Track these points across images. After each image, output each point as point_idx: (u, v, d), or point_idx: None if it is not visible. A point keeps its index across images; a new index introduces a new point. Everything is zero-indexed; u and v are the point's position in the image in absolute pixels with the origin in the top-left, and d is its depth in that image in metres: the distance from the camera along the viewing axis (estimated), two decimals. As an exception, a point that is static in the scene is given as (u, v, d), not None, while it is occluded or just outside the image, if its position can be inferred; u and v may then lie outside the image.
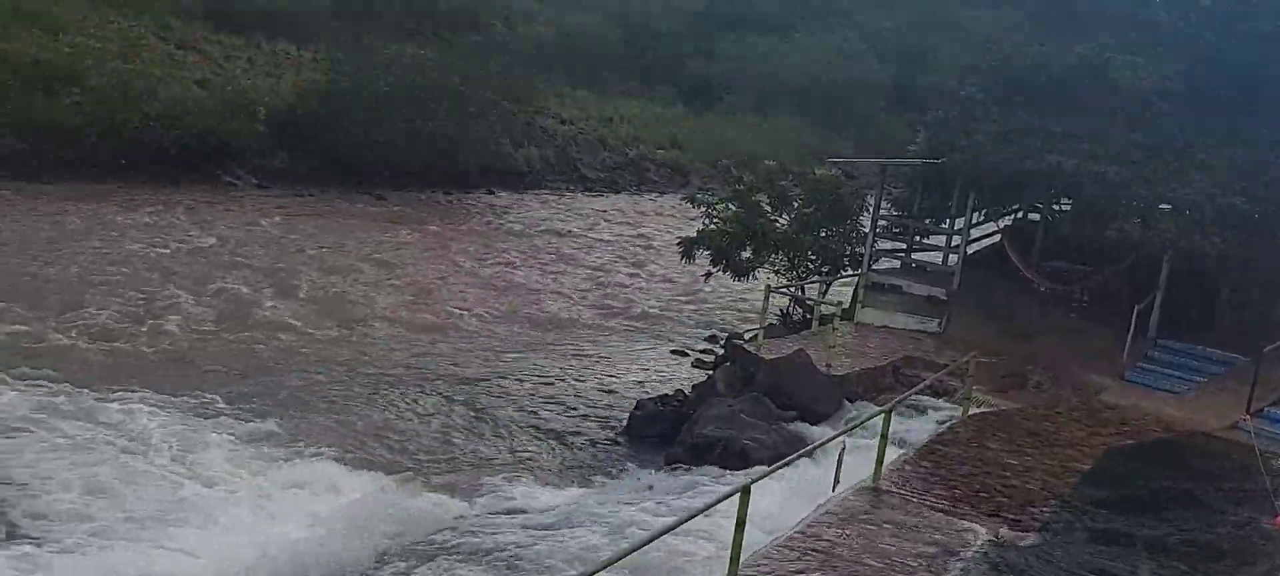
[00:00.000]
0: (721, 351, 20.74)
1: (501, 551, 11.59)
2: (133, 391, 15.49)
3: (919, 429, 15.09)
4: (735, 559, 8.80)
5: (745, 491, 8.66)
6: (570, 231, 35.09)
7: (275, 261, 24.93)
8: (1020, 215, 24.45)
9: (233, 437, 14.27)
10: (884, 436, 11.75)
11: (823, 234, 22.83)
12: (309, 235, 28.44)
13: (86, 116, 31.96)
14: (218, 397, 15.77)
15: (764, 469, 9.77)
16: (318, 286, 23.22)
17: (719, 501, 8.60)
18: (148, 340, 18.26)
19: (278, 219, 29.91)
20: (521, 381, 18.65)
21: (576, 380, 19.16)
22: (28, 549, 10.80)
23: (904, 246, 23.80)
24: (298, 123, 37.15)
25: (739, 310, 26.08)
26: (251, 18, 46.33)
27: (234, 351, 18.35)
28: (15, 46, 32.79)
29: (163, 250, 24.38)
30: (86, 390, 15.33)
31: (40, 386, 15.24)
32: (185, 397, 15.56)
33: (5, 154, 30.27)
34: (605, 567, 7.37)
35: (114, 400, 15.00)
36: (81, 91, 32.37)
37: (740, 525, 8.67)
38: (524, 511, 13.02)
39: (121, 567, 10.58)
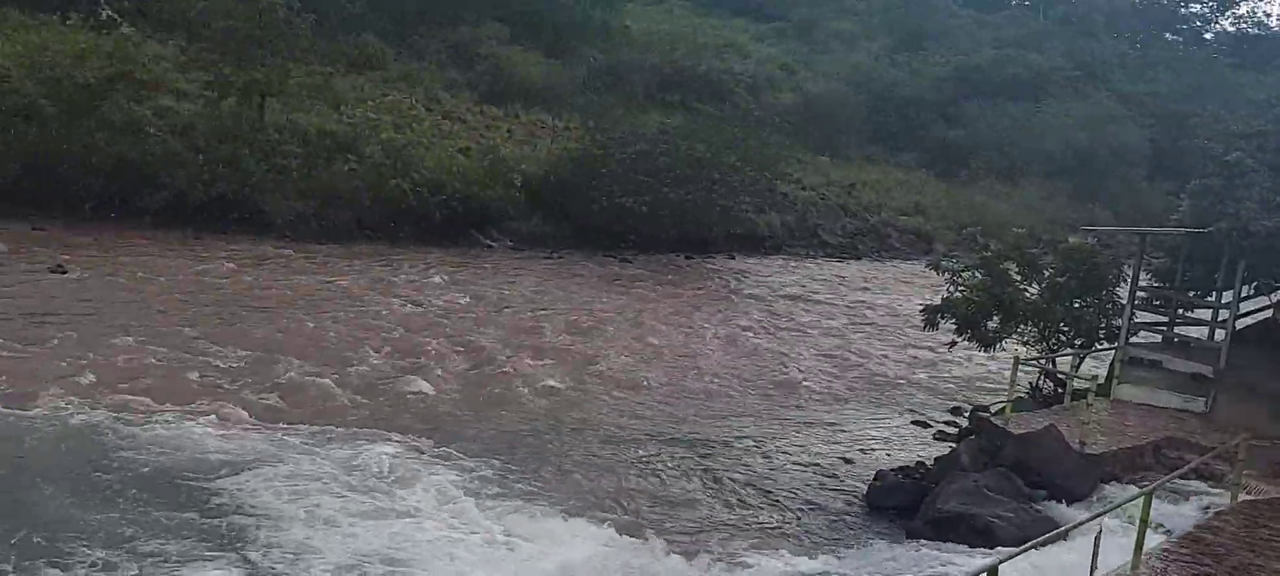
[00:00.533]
0: (965, 424, 20.18)
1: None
2: (380, 436, 16.41)
3: (1183, 515, 14.21)
4: (981, 639, 8.56)
5: (993, 572, 8.43)
6: (809, 297, 34.99)
7: (522, 320, 26.00)
8: (1296, 289, 22.75)
9: (470, 485, 14.87)
10: (1144, 521, 11.16)
11: (1076, 304, 21.94)
12: (555, 296, 29.51)
13: (362, 182, 34.44)
14: (460, 446, 16.53)
15: (1013, 549, 9.45)
16: (560, 345, 24.05)
17: (966, 578, 8.40)
18: (398, 389, 19.34)
19: (528, 280, 31.21)
20: (758, 446, 18.71)
21: (813, 447, 19.05)
22: None
23: (1165, 320, 22.56)
24: (551, 189, 38.82)
25: (984, 383, 25.31)
26: (511, 90, 48.89)
27: (478, 403, 19.21)
28: (305, 118, 35.80)
29: (420, 308, 25.86)
30: (336, 431, 16.43)
31: (298, 429, 16.42)
32: (428, 444, 16.39)
33: (292, 217, 32.99)
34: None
35: (362, 445, 15.90)
36: (358, 160, 34.95)
37: (987, 604, 8.44)
38: (766, 581, 13.03)
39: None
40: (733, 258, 41.51)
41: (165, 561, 11.67)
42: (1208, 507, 14.36)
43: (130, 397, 16.85)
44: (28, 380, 16.92)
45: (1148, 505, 11.25)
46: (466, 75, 49.65)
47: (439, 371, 20.71)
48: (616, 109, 45.85)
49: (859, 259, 46.68)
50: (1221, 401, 19.25)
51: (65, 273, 24.24)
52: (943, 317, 22.42)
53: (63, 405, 16.02)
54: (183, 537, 12.30)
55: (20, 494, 12.90)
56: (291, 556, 12.11)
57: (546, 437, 17.84)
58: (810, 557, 13.85)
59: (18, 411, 15.59)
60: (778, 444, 18.98)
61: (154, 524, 12.52)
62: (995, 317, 21.95)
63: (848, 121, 63.59)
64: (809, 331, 29.44)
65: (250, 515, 13.06)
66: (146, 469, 14.10)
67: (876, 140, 64.92)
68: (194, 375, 18.49)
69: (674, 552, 13.49)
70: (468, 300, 27.47)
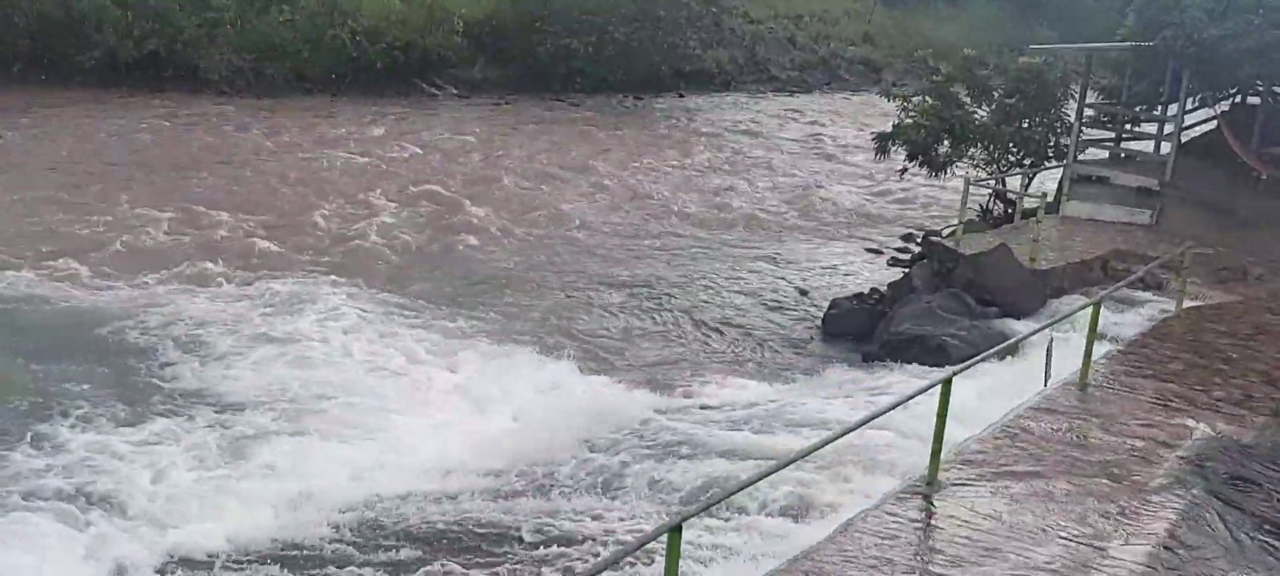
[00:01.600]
0: (917, 249, 20.37)
1: (699, 444, 11.80)
2: (341, 289, 16.34)
3: (1130, 323, 14.52)
4: (937, 453, 8.73)
5: (947, 383, 8.56)
6: (760, 132, 34.81)
7: (474, 168, 25.71)
8: (1239, 99, 22.91)
9: (436, 333, 14.89)
10: (1093, 330, 11.37)
11: (1025, 125, 21.97)
12: (506, 142, 29.15)
13: (298, 34, 33.50)
14: (422, 296, 16.51)
15: (965, 362, 9.60)
16: (515, 191, 23.85)
17: (921, 392, 8.52)
18: (344, 240, 19.19)
19: (475, 127, 30.76)
20: (715, 281, 18.80)
21: (770, 279, 19.19)
22: (238, 431, 11.59)
23: (1112, 136, 22.70)
24: (493, 33, 37.93)
25: (935, 208, 25.48)
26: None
27: (437, 253, 19.11)
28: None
29: (368, 159, 25.45)
30: (297, 284, 16.36)
31: (251, 282, 16.37)
32: (391, 295, 16.37)
33: (228, 72, 32.17)
34: (805, 456, 7.46)
35: (323, 297, 15.87)
36: (293, 10, 33.90)
37: (942, 417, 8.59)
38: (720, 406, 13.19)
39: (336, 454, 11.25)
40: (682, 96, 41.08)
41: (79, 409, 11.64)
42: (1155, 315, 14.66)
43: (56, 261, 16.61)
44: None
45: (1096, 315, 11.45)
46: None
47: (386, 221, 20.50)
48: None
49: (809, 92, 46.33)
50: (1167, 213, 19.54)
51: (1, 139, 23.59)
52: (893, 145, 22.40)
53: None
54: (106, 387, 12.34)
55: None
56: (268, 413, 12.06)
57: (498, 282, 17.82)
58: (768, 384, 14.05)
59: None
60: (733, 278, 19.09)
61: (61, 375, 12.50)
62: (945, 142, 21.97)
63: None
64: (761, 166, 29.37)
65: (212, 361, 13.07)
66: (62, 326, 14.04)
67: (823, -31, 63.75)
68: (124, 236, 18.20)
69: (632, 386, 13.63)
70: (414, 150, 27.07)
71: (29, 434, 11.11)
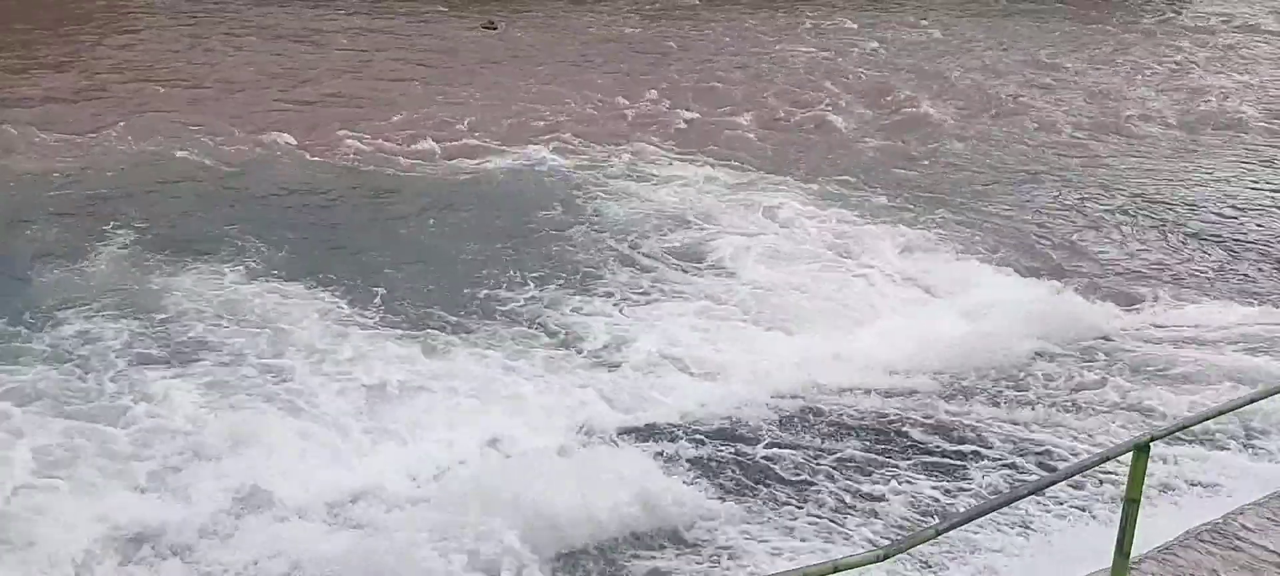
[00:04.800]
0: None
1: (1167, 363, 11.14)
2: (789, 183, 16.46)
3: None
4: None
5: None
6: (1260, 26, 31.07)
7: (932, 64, 24.98)
8: None
9: (885, 230, 14.65)
10: None
11: None
12: (966, 36, 28.08)
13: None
14: (873, 192, 16.26)
15: None
16: (973, 88, 22.94)
17: None
18: (800, 134, 19.33)
19: (936, 19, 29.83)
20: (1199, 190, 17.16)
21: (1258, 190, 17.28)
22: (681, 311, 12.11)
23: None
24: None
25: None
26: None
27: (888, 150, 18.74)
28: None
29: (828, 54, 25.43)
30: (736, 175, 16.75)
31: (701, 172, 16.90)
32: (841, 191, 16.25)
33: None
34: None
35: (764, 189, 16.11)
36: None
37: None
38: (1193, 326, 12.20)
39: (780, 342, 11.55)
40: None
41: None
42: None
43: (555, 137, 17.98)
44: (452, 130, 18.33)
45: None
46: None
47: (856, 119, 20.37)
48: None
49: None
50: None
51: (495, 29, 25.90)
52: None
53: (482, 146, 17.41)
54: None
55: (439, 240, 14.04)
56: (721, 298, 12.56)
57: (952, 182, 17.25)
58: (1254, 305, 12.82)
59: (445, 162, 16.93)
60: (1215, 187, 17.37)
61: (551, 239, 13.63)
62: None
63: None
64: (1260, 63, 26.29)
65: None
66: (558, 199, 15.19)
67: None
68: (598, 121, 19.25)
69: (1094, 298, 12.87)
70: (872, 45, 26.74)
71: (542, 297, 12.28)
